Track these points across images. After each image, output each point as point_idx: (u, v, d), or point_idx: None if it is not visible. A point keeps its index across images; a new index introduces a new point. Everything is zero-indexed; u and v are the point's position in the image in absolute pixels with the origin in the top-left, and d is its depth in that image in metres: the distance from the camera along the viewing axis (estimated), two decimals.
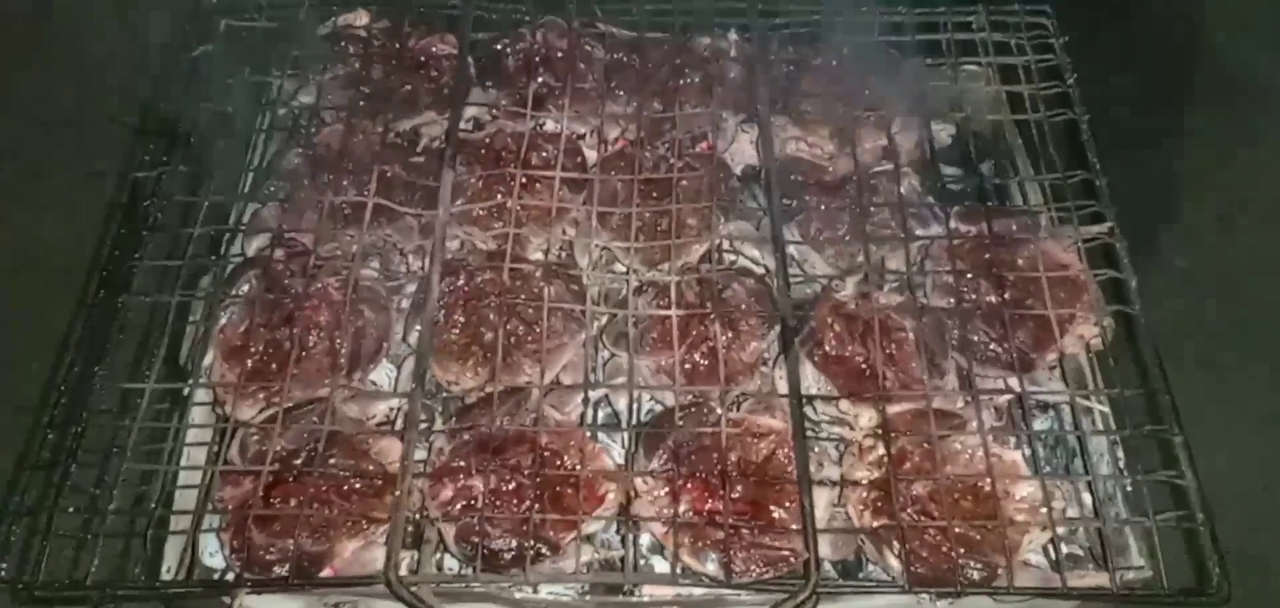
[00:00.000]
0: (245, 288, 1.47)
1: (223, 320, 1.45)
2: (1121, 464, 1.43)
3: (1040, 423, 1.49)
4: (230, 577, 1.27)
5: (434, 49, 1.77)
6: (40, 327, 2.44)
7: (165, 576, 1.29)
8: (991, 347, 1.46)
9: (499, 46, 1.77)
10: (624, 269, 1.55)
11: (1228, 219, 2.92)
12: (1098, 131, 1.69)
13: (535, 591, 1.30)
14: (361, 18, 1.78)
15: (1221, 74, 3.32)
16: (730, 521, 1.28)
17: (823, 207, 1.60)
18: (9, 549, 1.24)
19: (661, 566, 1.34)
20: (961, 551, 1.29)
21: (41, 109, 3.07)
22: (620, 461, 1.41)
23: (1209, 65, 3.35)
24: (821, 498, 1.34)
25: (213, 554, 1.31)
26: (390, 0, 1.79)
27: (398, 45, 1.76)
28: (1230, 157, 3.09)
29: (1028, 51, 1.79)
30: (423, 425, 1.37)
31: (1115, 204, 1.60)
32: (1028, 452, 1.43)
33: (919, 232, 1.57)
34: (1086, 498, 1.41)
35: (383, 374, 1.48)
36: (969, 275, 1.51)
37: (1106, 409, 1.46)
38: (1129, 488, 1.40)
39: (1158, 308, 2.52)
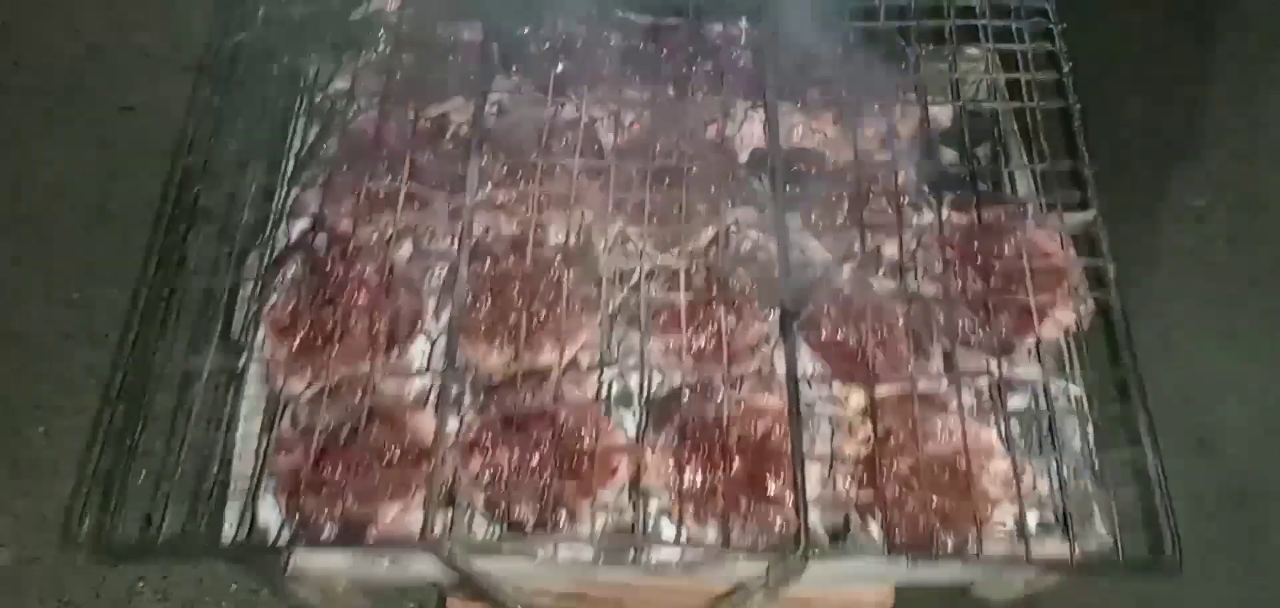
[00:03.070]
0: (291, 271, 1.60)
1: (271, 300, 1.59)
2: (1091, 442, 1.55)
3: (1018, 401, 1.61)
4: (285, 537, 1.44)
5: (461, 35, 1.87)
6: (78, 261, 2.53)
7: (226, 535, 1.45)
8: (975, 332, 1.58)
9: (522, 33, 1.87)
10: (637, 252, 1.67)
11: (1247, 158, 2.97)
12: (1120, 73, 1.73)
13: (555, 552, 1.46)
14: (392, 4, 1.88)
15: (1244, 12, 3.33)
16: (730, 493, 1.43)
17: (825, 195, 1.71)
18: (88, 511, 1.40)
19: (669, 529, 1.49)
20: (938, 521, 1.44)
21: (70, 42, 3.15)
22: (632, 433, 1.55)
23: (1231, 3, 3.36)
24: (813, 472, 1.48)
25: (268, 516, 1.47)
26: None
27: (426, 31, 1.85)
28: (1250, 96, 3.12)
29: (1027, 38, 1.86)
30: (454, 395, 1.51)
31: (1134, 147, 1.66)
32: (1005, 429, 1.56)
33: (913, 219, 1.68)
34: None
35: (418, 350, 1.61)
36: (957, 263, 1.63)
37: (1081, 391, 1.58)
38: (1096, 465, 1.53)
39: (1171, 250, 2.62)
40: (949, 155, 1.84)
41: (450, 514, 1.49)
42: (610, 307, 1.63)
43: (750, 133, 1.82)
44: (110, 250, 2.42)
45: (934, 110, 1.81)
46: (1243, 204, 2.85)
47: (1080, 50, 1.89)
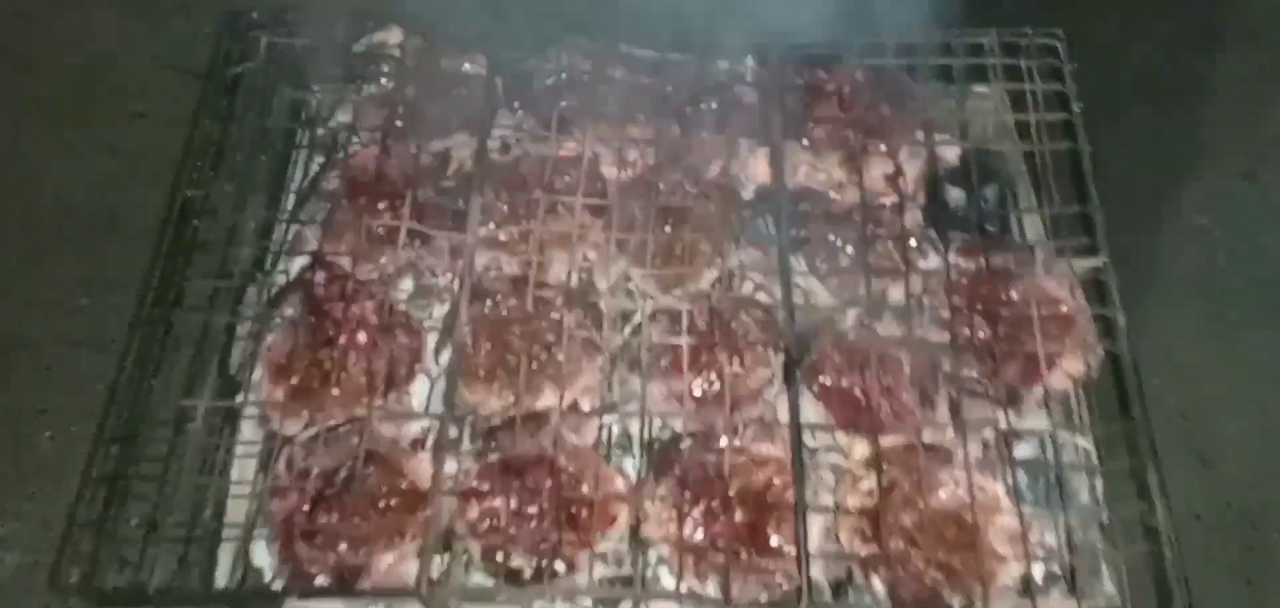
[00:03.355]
0: (289, 310, 1.58)
1: (269, 339, 1.57)
2: (1099, 496, 1.53)
3: (1024, 450, 1.58)
4: (278, 585, 1.41)
5: (464, 68, 1.85)
6: (86, 267, 2.51)
7: (219, 583, 1.43)
8: (981, 381, 1.56)
9: (525, 67, 1.85)
10: (640, 294, 1.65)
11: (1251, 175, 2.92)
12: (1123, 85, 1.73)
13: (552, 603, 1.43)
14: (395, 35, 1.86)
15: (1251, 26, 3.28)
16: (731, 545, 1.41)
17: (830, 238, 1.68)
18: (78, 558, 1.38)
19: (668, 580, 1.46)
20: (942, 578, 1.41)
21: (81, 49, 3.13)
22: (632, 478, 1.53)
23: (1242, 11, 3.31)
24: (816, 525, 1.46)
25: (263, 561, 1.45)
26: (422, 18, 1.86)
27: (429, 64, 1.84)
28: (1259, 110, 3.07)
29: (1036, 77, 1.84)
30: (452, 439, 1.49)
31: (1137, 160, 1.65)
32: (1011, 481, 1.53)
33: (919, 264, 1.66)
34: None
35: (417, 390, 1.59)
36: (964, 310, 1.60)
37: (1089, 444, 1.56)
38: (1105, 520, 1.50)
39: (1173, 265, 2.59)
40: (956, 195, 1.81)
41: (446, 562, 1.47)
42: (611, 347, 1.60)
43: (755, 170, 1.80)
44: (119, 257, 2.39)
45: (941, 150, 1.79)
46: (1246, 222, 2.81)
47: (1083, 61, 1.89)
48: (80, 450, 1.80)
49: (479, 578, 1.45)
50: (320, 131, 1.80)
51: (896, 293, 1.64)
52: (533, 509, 1.44)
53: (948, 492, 1.47)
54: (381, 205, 1.67)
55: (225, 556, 1.46)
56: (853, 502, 1.48)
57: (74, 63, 3.04)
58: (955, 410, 1.53)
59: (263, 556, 1.45)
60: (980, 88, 1.89)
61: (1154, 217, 2.27)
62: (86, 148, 2.82)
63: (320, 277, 1.61)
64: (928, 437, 1.50)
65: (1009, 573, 1.43)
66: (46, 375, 2.05)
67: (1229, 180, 2.88)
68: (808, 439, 1.53)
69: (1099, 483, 1.53)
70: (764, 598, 1.40)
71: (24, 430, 1.92)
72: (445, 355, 1.58)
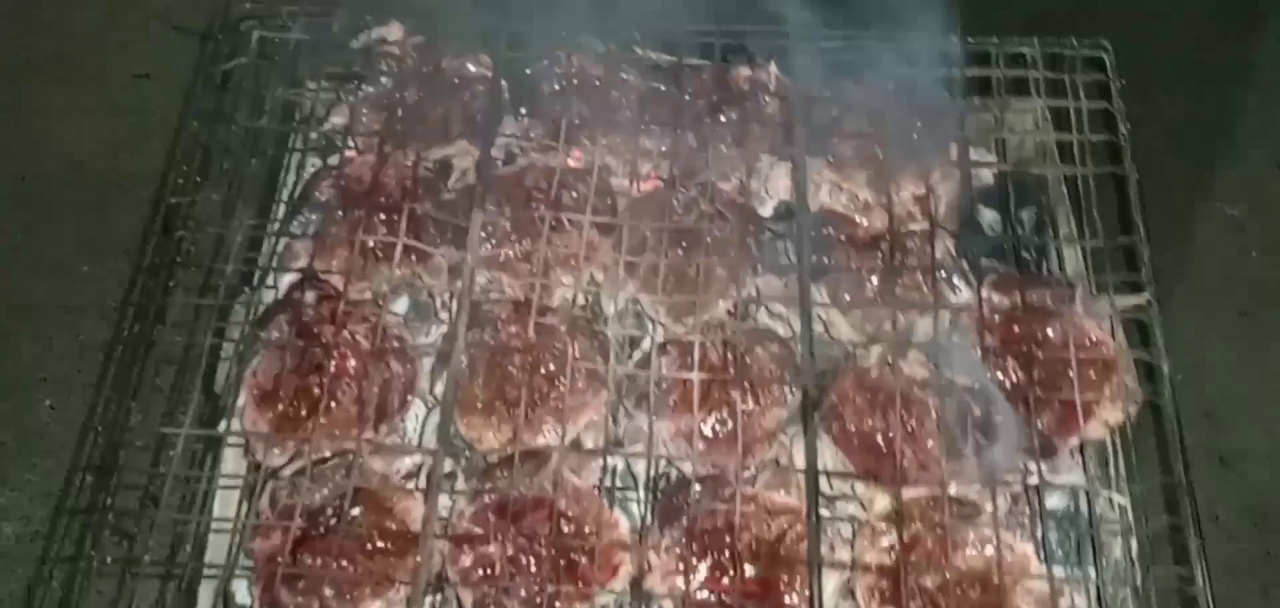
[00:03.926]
0: (276, 332, 1.49)
1: (254, 364, 1.48)
2: (1134, 556, 1.43)
3: (1055, 501, 1.48)
4: None
5: (468, 69, 1.74)
6: (88, 232, 2.45)
7: None
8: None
9: (532, 70, 1.74)
10: (649, 321, 1.56)
11: None
12: (1158, 65, 1.64)
13: None
14: (395, 32, 1.75)
15: None
16: (740, 602, 1.33)
17: (853, 266, 1.58)
18: (49, 596, 1.31)
19: None
20: None
21: (85, 8, 3.05)
22: (636, 521, 1.44)
23: None
24: (831, 582, 1.37)
25: (245, 601, 1.37)
26: (424, 15, 1.75)
27: (431, 65, 1.73)
28: None
29: (1081, 93, 1.71)
30: (446, 476, 1.41)
31: (1170, 145, 1.55)
32: (1041, 535, 1.44)
33: (950, 298, 1.55)
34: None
35: (410, 419, 1.51)
36: (996, 351, 1.50)
37: (1125, 500, 1.46)
38: (1139, 583, 1.40)
39: (1203, 257, 2.49)
40: (990, 218, 1.70)
41: (440, 595, 1.39)
42: (616, 379, 1.51)
43: (776, 184, 1.69)
44: (121, 222, 2.35)
45: (976, 171, 1.67)
46: None
47: (1114, 41, 1.77)
48: (79, 421, 1.76)
49: None
50: (314, 135, 1.70)
51: (924, 328, 1.53)
52: (530, 557, 1.36)
53: (974, 550, 1.38)
54: (376, 218, 1.57)
55: (205, 594, 1.38)
56: (871, 558, 1.39)
57: (79, 23, 2.95)
58: (984, 461, 1.43)
59: (245, 595, 1.37)
60: (1020, 102, 1.76)
61: (1185, 203, 2.18)
62: (91, 110, 2.75)
63: (310, 296, 1.52)
64: (954, 490, 1.40)
65: None
66: (47, 343, 2.00)
67: (1262, 169, 2.76)
68: (824, 488, 1.44)
69: (1134, 543, 1.43)
70: None
71: (24, 399, 1.88)
72: (441, 384, 1.49)
